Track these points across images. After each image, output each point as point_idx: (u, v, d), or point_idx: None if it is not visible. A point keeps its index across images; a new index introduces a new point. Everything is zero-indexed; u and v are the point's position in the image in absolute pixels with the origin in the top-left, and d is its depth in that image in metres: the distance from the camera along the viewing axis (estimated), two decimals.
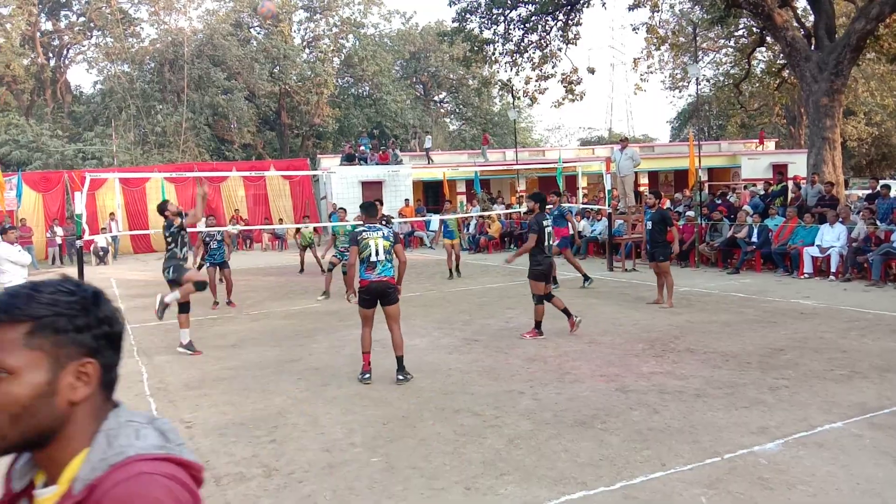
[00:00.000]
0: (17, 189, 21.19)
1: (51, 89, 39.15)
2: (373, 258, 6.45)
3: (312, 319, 10.14)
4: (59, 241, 22.85)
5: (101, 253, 22.46)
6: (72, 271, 11.63)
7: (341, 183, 24.66)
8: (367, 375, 6.56)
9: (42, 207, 24.80)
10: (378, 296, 6.52)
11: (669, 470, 4.22)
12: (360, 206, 7.18)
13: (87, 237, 11.70)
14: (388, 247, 6.51)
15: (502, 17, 20.94)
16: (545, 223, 8.31)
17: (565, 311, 8.32)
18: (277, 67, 39.48)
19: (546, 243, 8.26)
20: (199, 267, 11.60)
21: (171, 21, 38.90)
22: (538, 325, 8.23)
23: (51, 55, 40.35)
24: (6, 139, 30.83)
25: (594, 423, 5.11)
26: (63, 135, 33.90)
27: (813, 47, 16.82)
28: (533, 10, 20.53)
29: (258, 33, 41.50)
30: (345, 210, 13.30)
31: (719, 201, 16.59)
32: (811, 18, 18.88)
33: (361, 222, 7.04)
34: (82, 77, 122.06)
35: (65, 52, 41.31)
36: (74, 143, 32.82)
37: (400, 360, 6.59)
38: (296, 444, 4.96)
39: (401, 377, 6.52)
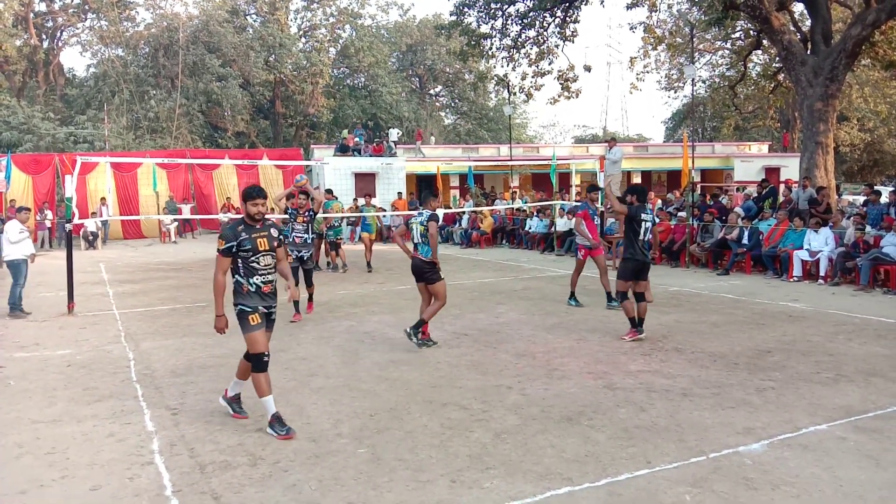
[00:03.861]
0: (6, 171, 20.98)
1: (43, 71, 38.77)
2: (415, 240, 7.49)
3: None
4: (48, 224, 22.69)
5: (91, 237, 22.31)
6: (61, 255, 11.55)
7: (334, 174, 24.56)
8: (432, 342, 7.47)
9: (32, 190, 24.61)
10: (417, 273, 7.43)
11: (655, 468, 4.24)
12: (422, 195, 8.05)
13: (76, 221, 11.59)
14: (423, 231, 7.39)
15: (500, 13, 20.89)
16: (644, 217, 7.86)
17: (632, 320, 7.89)
18: (273, 56, 39.23)
19: (642, 238, 7.83)
20: None
21: (167, 6, 38.64)
22: (632, 322, 7.84)
23: (44, 37, 39.91)
24: None
25: (581, 420, 5.12)
26: (55, 117, 33.59)
27: (809, 51, 16.86)
28: (531, 5, 20.48)
29: (254, 21, 41.23)
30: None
31: (711, 203, 16.64)
32: (808, 23, 18.92)
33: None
34: (76, 60, 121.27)
35: (58, 34, 40.88)
36: (66, 126, 32.54)
37: (421, 322, 7.44)
38: None
39: (408, 330, 7.45)
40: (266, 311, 5.08)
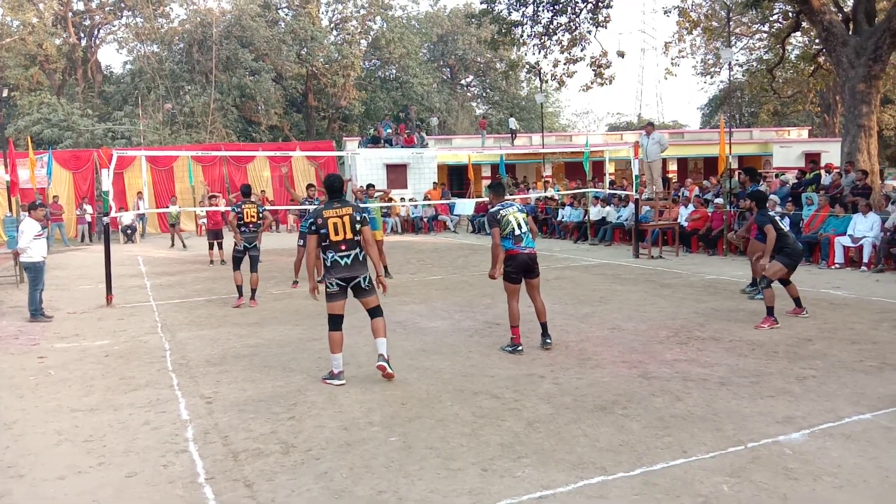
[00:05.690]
0: (47, 167, 21.48)
1: (82, 69, 39.60)
2: (517, 232, 6.69)
3: None
4: (88, 218, 23.19)
5: (129, 232, 22.74)
6: (100, 249, 11.78)
7: (366, 165, 24.68)
8: (520, 348, 6.75)
9: (72, 185, 25.18)
10: (525, 269, 6.74)
11: (691, 457, 4.14)
12: (488, 187, 7.25)
13: (113, 214, 11.75)
14: (526, 218, 6.79)
15: None
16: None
17: (797, 301, 8.14)
18: (305, 49, 39.48)
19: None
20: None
21: (200, 1, 39.08)
22: (770, 310, 7.68)
23: (82, 35, 40.77)
24: (38, 118, 31.30)
25: (615, 409, 5.04)
26: (93, 114, 34.33)
27: (851, 31, 16.35)
28: None
29: (286, 14, 41.50)
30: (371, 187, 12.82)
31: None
32: (850, 2, 18.36)
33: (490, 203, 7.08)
34: (112, 57, 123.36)
35: (96, 31, 41.72)
36: (104, 122, 33.22)
37: (544, 325, 6.96)
38: (314, 421, 4.96)
39: (549, 341, 6.87)
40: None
